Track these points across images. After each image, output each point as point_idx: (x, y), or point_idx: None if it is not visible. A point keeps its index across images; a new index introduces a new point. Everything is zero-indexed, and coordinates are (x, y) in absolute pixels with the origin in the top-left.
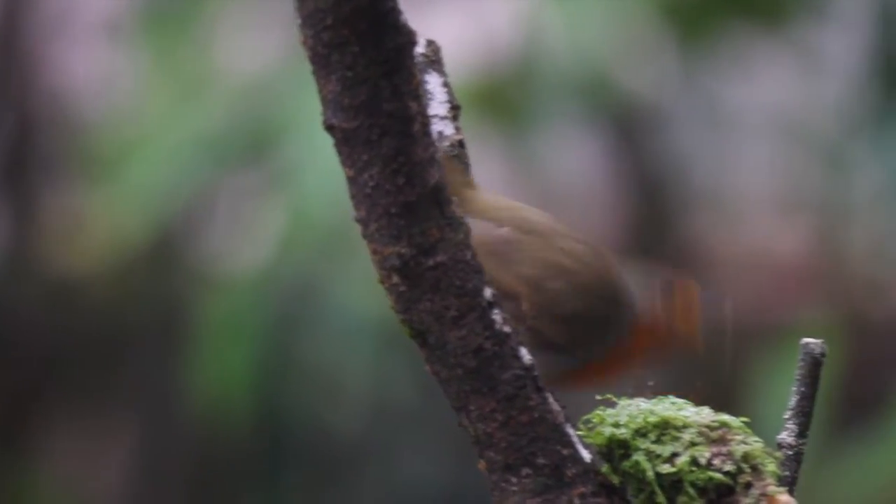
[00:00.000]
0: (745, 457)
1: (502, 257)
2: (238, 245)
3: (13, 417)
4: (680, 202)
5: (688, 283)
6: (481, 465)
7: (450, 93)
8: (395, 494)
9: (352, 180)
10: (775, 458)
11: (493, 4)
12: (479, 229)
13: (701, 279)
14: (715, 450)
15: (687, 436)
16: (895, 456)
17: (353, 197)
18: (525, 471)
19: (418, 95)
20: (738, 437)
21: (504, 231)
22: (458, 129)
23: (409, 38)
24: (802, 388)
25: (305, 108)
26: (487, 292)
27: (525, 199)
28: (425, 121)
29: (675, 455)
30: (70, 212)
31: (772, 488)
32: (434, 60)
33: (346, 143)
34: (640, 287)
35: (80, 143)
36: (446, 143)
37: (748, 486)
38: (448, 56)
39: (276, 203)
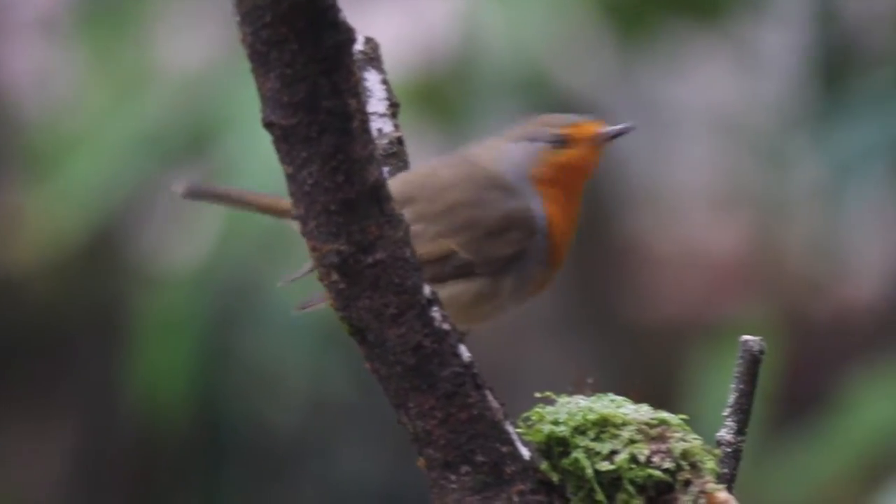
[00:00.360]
0: (685, 454)
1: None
2: (177, 241)
3: None
4: (618, 200)
5: (587, 122)
6: (420, 462)
7: (389, 90)
8: (334, 490)
9: (291, 177)
10: (714, 455)
11: (432, 2)
12: None
13: (640, 276)
14: (654, 447)
15: (626, 433)
16: (833, 453)
17: (291, 194)
18: (464, 468)
19: (357, 93)
20: (678, 435)
21: None
22: (397, 126)
23: (347, 35)
24: (741, 386)
25: (245, 106)
26: (426, 290)
27: None
28: (364, 118)
29: (614, 452)
30: (9, 208)
31: (711, 485)
32: (373, 58)
33: (285, 140)
34: (539, 143)
35: (19, 140)
36: (385, 141)
37: (687, 483)
38: (387, 53)
39: None
